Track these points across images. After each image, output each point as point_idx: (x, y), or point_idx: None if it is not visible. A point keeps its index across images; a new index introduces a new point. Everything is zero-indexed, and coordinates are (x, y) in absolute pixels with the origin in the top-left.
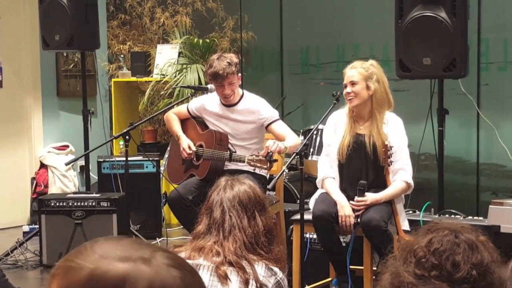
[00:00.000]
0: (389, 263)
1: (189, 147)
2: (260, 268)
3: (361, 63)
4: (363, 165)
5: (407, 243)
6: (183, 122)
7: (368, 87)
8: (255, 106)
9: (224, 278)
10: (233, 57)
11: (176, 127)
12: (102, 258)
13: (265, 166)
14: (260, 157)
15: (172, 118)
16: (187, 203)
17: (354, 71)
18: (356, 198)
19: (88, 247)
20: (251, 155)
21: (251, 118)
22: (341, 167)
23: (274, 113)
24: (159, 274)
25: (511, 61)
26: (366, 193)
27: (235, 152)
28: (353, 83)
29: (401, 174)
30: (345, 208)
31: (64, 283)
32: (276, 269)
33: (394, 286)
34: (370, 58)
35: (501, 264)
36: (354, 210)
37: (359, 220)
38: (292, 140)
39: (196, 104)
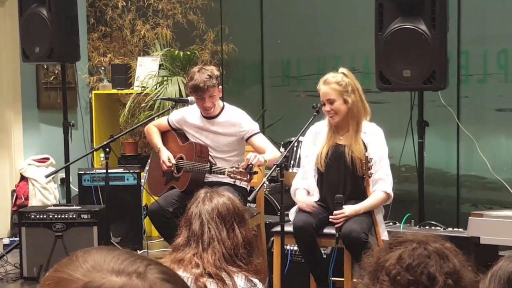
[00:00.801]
0: (358, 283)
1: (169, 160)
2: (240, 280)
3: (334, 77)
4: (342, 175)
5: (373, 261)
6: (164, 134)
7: (345, 101)
8: (235, 119)
9: None
10: (214, 70)
11: (156, 140)
12: (95, 271)
13: (245, 178)
14: (240, 169)
15: (153, 131)
16: (168, 215)
17: (329, 89)
18: (334, 212)
19: (80, 257)
20: (231, 167)
21: (231, 130)
22: (321, 176)
23: (255, 126)
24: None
25: (491, 73)
26: (344, 206)
27: (215, 164)
28: (330, 101)
29: (380, 184)
30: (300, 203)
31: None
32: (256, 280)
33: None
34: (351, 70)
35: (468, 266)
36: (333, 224)
37: (339, 232)
38: (272, 153)
39: (176, 116)
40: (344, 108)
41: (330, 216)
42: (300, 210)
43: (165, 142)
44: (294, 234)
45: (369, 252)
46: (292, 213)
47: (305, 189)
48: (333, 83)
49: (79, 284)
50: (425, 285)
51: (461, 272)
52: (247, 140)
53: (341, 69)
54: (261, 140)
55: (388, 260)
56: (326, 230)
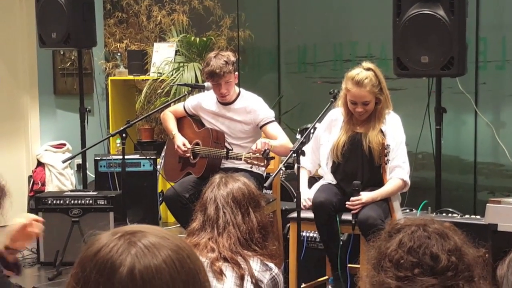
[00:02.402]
0: (363, 276)
1: (184, 145)
2: (255, 264)
3: (367, 78)
4: (359, 164)
5: (374, 252)
6: (180, 120)
7: (378, 100)
8: (251, 106)
9: (219, 274)
10: (230, 56)
11: (172, 126)
12: (110, 231)
13: (262, 164)
14: (257, 154)
15: (168, 117)
16: (184, 201)
17: (365, 92)
18: (352, 198)
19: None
20: (248, 153)
21: (247, 117)
22: (338, 166)
23: (270, 114)
24: (118, 248)
25: (509, 59)
26: (361, 193)
27: (232, 150)
28: (365, 103)
29: (397, 172)
30: (302, 199)
31: None
32: (271, 264)
33: None
34: (368, 57)
35: (470, 244)
36: (350, 210)
37: (356, 218)
38: (281, 141)
39: (192, 102)
40: (373, 106)
41: (347, 202)
42: (320, 188)
43: (181, 128)
44: (313, 210)
45: (369, 245)
46: (312, 191)
47: (309, 170)
48: (368, 85)
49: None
50: (430, 265)
51: (463, 248)
52: (261, 127)
53: (366, 64)
54: (274, 129)
55: (389, 247)
56: (342, 217)
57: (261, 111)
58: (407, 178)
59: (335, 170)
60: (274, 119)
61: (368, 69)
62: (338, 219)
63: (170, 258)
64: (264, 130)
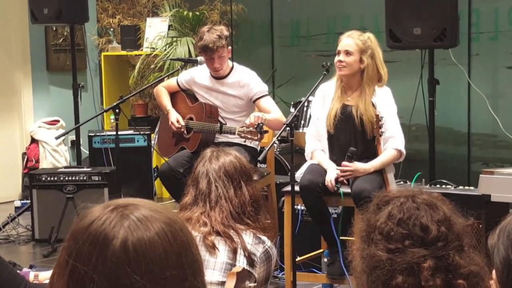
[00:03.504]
0: (354, 249)
1: (178, 121)
2: (248, 237)
3: (359, 34)
4: (352, 137)
5: (363, 225)
6: (173, 95)
7: (361, 61)
8: (245, 80)
9: (212, 248)
10: (224, 30)
11: (165, 101)
12: (103, 204)
13: (256, 138)
14: (251, 128)
15: (162, 92)
16: (178, 176)
17: (351, 41)
18: (343, 163)
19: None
20: (242, 127)
21: (240, 92)
22: (331, 138)
23: (263, 88)
24: (111, 221)
25: (502, 30)
26: (356, 162)
27: (226, 124)
28: (347, 53)
29: (391, 142)
30: (329, 173)
31: None
32: (264, 237)
33: (372, 267)
34: (361, 29)
35: (458, 214)
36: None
37: (349, 190)
38: (274, 115)
39: (185, 77)
40: (356, 66)
41: (337, 167)
42: (307, 170)
43: (174, 103)
44: (300, 193)
45: (357, 218)
46: (299, 173)
47: (322, 150)
48: (357, 38)
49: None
50: (419, 236)
51: (452, 218)
52: (254, 101)
53: (369, 34)
54: (267, 103)
55: (379, 219)
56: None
57: (254, 85)
58: (402, 148)
59: (330, 143)
60: (267, 93)
61: (366, 33)
62: (341, 191)
63: (163, 230)
64: (257, 104)
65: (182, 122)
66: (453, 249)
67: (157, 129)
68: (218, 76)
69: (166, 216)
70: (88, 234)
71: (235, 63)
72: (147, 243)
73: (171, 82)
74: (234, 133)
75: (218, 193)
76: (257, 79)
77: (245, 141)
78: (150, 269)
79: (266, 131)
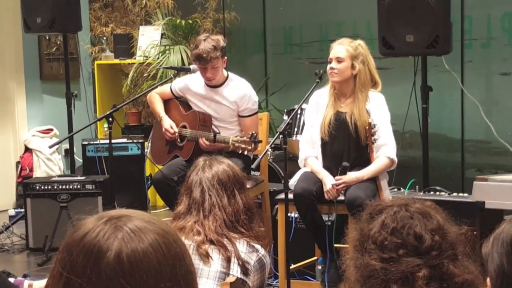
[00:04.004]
0: (347, 259)
1: (171, 128)
2: (242, 246)
3: (350, 41)
4: (345, 144)
5: (356, 234)
6: (166, 102)
7: (353, 67)
8: (238, 92)
9: (205, 257)
10: (220, 41)
11: (159, 108)
12: (96, 216)
13: (250, 147)
14: (245, 138)
15: (155, 99)
16: (172, 184)
17: (342, 48)
18: (336, 177)
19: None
20: (236, 136)
21: (233, 102)
22: (324, 145)
23: (253, 106)
24: (105, 232)
25: (495, 37)
26: (348, 173)
27: (219, 133)
28: (339, 60)
29: (384, 150)
30: (327, 184)
31: None
32: (257, 246)
33: (366, 277)
34: (354, 37)
35: (452, 222)
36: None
37: (343, 198)
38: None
39: (179, 84)
40: (348, 73)
41: (332, 183)
42: (301, 178)
43: (168, 111)
44: (294, 201)
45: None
46: (293, 181)
47: (315, 157)
48: (347, 45)
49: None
50: (414, 246)
51: (445, 227)
52: (240, 116)
53: (359, 41)
54: (251, 123)
55: (372, 228)
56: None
57: (246, 101)
58: (394, 156)
59: (323, 150)
60: (256, 111)
61: (356, 41)
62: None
63: (157, 242)
64: (241, 120)
65: (176, 129)
66: (447, 258)
67: (150, 137)
68: (212, 85)
69: (159, 227)
70: (82, 246)
71: (230, 73)
72: (141, 255)
73: (165, 89)
74: (227, 142)
75: (212, 202)
76: (250, 93)
77: (239, 151)
78: (145, 280)
79: (260, 141)
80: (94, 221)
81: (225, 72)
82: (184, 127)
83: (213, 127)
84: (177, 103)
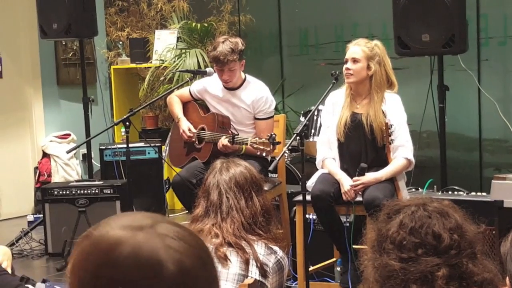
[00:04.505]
0: (365, 259)
1: (189, 130)
2: (260, 248)
3: (366, 42)
4: (362, 145)
5: (374, 234)
6: (185, 105)
7: (368, 67)
8: (255, 94)
9: (224, 259)
10: (239, 43)
11: (177, 110)
12: (109, 227)
13: (268, 149)
14: (263, 139)
15: (174, 101)
16: (191, 186)
17: (358, 48)
18: (354, 178)
19: (105, 220)
20: (254, 138)
21: (250, 105)
22: (341, 146)
23: (270, 109)
24: (150, 242)
25: (511, 35)
26: (366, 174)
27: (238, 134)
28: (354, 60)
29: (401, 151)
30: (345, 185)
31: (75, 252)
32: (276, 247)
33: (385, 277)
34: (369, 37)
35: (470, 221)
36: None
37: (361, 198)
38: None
39: (198, 86)
40: (363, 73)
41: (350, 184)
42: (318, 179)
43: (186, 113)
44: (312, 203)
45: (368, 227)
46: (310, 182)
47: (333, 158)
48: (363, 45)
49: (92, 238)
50: (433, 245)
51: (464, 226)
52: (255, 118)
53: (376, 41)
54: (267, 126)
55: (390, 228)
56: (358, 198)
57: (263, 103)
58: (411, 157)
59: (340, 151)
60: (272, 115)
61: (373, 41)
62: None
63: (203, 246)
64: (257, 122)
65: (194, 130)
66: (466, 257)
67: (168, 140)
68: (230, 87)
69: (193, 232)
70: (135, 262)
71: (248, 75)
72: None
73: (184, 91)
74: (246, 144)
75: (229, 204)
76: (267, 96)
77: (258, 153)
78: None
79: (279, 142)
80: (125, 231)
81: (243, 75)
82: (203, 129)
83: (232, 129)
84: (196, 106)
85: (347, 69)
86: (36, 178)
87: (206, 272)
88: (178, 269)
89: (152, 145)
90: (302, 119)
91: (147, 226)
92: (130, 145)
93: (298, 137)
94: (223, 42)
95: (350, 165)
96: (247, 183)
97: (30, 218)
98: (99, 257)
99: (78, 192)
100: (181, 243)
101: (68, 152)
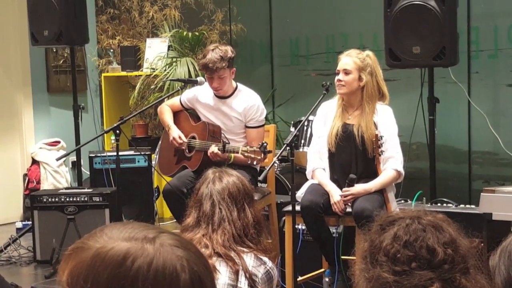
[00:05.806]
0: (356, 270)
1: (180, 137)
2: (249, 259)
3: (358, 53)
4: (353, 155)
5: (367, 245)
6: (176, 114)
7: (360, 78)
8: (247, 103)
9: (213, 270)
10: (228, 51)
11: (168, 118)
12: (108, 238)
13: (259, 157)
14: (255, 148)
15: (165, 110)
16: (182, 196)
17: (350, 60)
18: (343, 189)
19: (98, 230)
20: (245, 146)
21: (241, 114)
22: (332, 157)
23: (260, 117)
24: (162, 253)
25: (502, 48)
26: (356, 185)
27: (229, 143)
28: (346, 72)
29: (391, 162)
30: (334, 196)
31: (73, 263)
32: (265, 258)
33: None
34: (360, 48)
35: (463, 234)
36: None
37: (350, 209)
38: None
39: (188, 95)
40: (355, 85)
41: (340, 194)
42: (308, 190)
43: (177, 122)
44: (301, 213)
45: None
46: (300, 193)
47: (323, 169)
48: (355, 56)
49: (92, 250)
50: (426, 259)
51: (457, 240)
52: (246, 126)
53: (368, 52)
54: (257, 134)
55: (384, 240)
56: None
57: (254, 112)
58: (401, 169)
59: (331, 162)
60: (263, 123)
61: (367, 54)
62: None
63: (202, 253)
64: (247, 130)
65: (184, 139)
66: (459, 272)
67: (158, 149)
68: (220, 96)
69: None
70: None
71: (239, 84)
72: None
73: (175, 101)
74: (237, 153)
75: (222, 215)
76: (259, 104)
77: (248, 162)
78: None
79: (270, 151)
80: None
81: (234, 83)
82: (193, 138)
83: (222, 138)
84: (186, 115)
85: (339, 80)
86: (25, 185)
87: (210, 277)
88: (190, 277)
89: (142, 153)
90: (292, 129)
91: (152, 237)
92: (120, 153)
93: (288, 147)
94: (212, 50)
95: (340, 175)
96: (240, 194)
97: (19, 225)
98: (110, 270)
99: (67, 199)
100: (187, 252)
101: (58, 159)
